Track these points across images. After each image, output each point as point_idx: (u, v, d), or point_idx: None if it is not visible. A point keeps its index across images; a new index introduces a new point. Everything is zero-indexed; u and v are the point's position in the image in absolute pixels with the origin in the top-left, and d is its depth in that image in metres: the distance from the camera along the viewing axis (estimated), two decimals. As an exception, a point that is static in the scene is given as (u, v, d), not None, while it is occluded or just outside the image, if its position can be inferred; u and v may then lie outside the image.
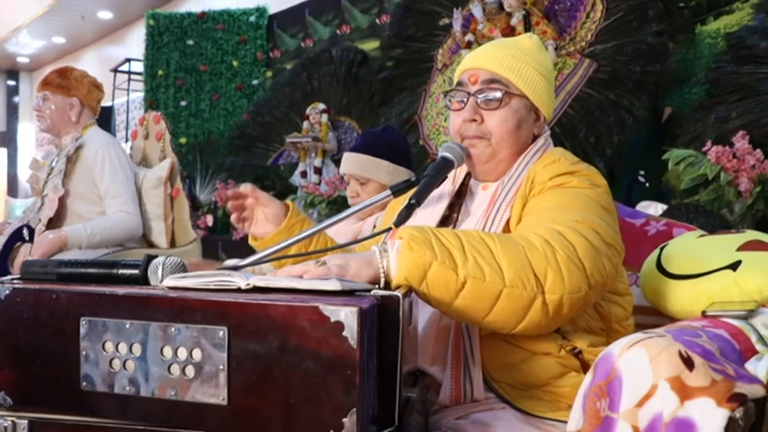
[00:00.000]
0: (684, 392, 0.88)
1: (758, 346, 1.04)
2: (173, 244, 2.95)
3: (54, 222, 2.69)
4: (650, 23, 4.33)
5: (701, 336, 1.00)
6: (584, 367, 1.22)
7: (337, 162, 6.35)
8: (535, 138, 1.42)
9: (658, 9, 4.32)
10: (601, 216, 1.21)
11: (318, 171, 6.29)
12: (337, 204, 5.70)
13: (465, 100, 1.38)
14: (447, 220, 1.42)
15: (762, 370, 0.96)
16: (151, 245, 2.91)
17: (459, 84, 1.42)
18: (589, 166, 1.34)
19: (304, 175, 6.38)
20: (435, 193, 1.38)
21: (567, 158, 1.34)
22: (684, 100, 4.33)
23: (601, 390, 0.96)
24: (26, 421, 0.96)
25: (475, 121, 1.36)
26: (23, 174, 13.88)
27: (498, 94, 1.35)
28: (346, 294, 0.91)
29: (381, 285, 1.03)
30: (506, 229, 1.27)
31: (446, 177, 1.39)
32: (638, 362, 0.92)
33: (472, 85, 1.38)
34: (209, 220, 6.87)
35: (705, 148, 3.53)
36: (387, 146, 2.12)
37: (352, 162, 2.12)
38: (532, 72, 1.38)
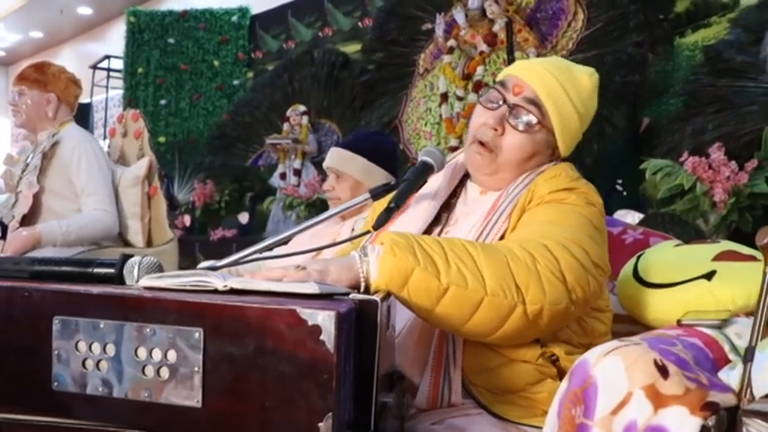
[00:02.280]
0: (659, 400, 0.89)
1: (731, 356, 1.06)
2: (149, 243, 2.92)
3: (28, 219, 2.66)
4: (631, 34, 4.37)
5: (676, 344, 1.01)
6: (561, 374, 1.22)
7: (317, 164, 6.33)
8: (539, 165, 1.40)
9: (639, 20, 4.36)
10: (591, 235, 1.21)
11: (298, 173, 6.26)
12: (316, 207, 5.68)
13: (498, 104, 1.35)
14: (438, 220, 1.41)
15: (734, 379, 0.97)
16: (127, 244, 2.88)
17: (502, 84, 1.38)
18: (588, 183, 1.34)
19: (283, 176, 6.35)
20: (429, 189, 1.37)
21: (569, 174, 1.33)
22: (662, 111, 4.38)
23: (576, 397, 0.97)
24: (-4, 421, 0.95)
25: (495, 130, 1.34)
26: (-2, 169, 13.66)
27: (532, 120, 1.33)
28: (324, 298, 0.90)
29: (362, 290, 1.02)
30: (503, 238, 1.27)
31: (426, 181, 1.39)
32: (614, 369, 0.93)
33: (514, 95, 1.35)
34: (187, 220, 6.82)
35: (682, 159, 3.57)
36: (368, 144, 2.15)
37: (333, 155, 2.15)
38: (572, 111, 1.36)
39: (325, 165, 2.16)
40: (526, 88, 1.35)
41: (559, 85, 1.35)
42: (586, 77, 1.40)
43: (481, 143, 1.35)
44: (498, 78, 1.42)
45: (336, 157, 2.13)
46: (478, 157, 1.36)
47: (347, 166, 2.09)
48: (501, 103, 1.35)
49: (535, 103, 1.34)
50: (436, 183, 1.43)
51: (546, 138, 1.36)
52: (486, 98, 1.38)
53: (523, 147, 1.34)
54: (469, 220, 1.36)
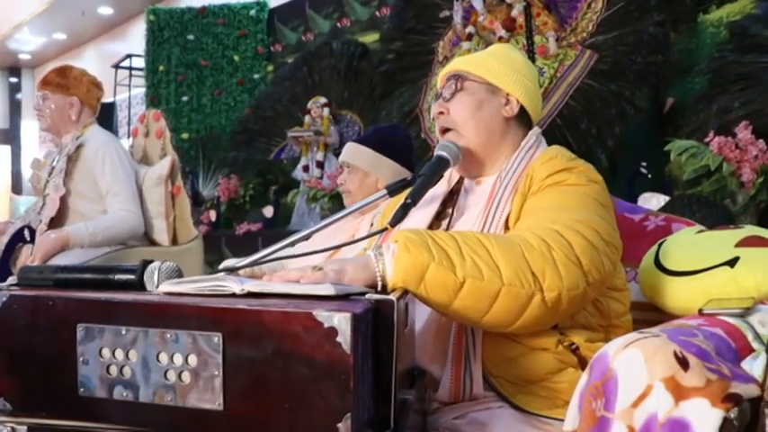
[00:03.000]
0: (679, 393, 0.88)
1: (754, 345, 1.04)
2: (174, 242, 2.95)
3: (56, 222, 2.70)
4: (652, 13, 4.30)
5: (697, 335, 1.00)
6: (582, 363, 1.23)
7: (339, 156, 6.34)
8: (516, 124, 1.44)
9: (660, -2, 4.29)
10: (599, 213, 1.22)
11: (321, 165, 6.28)
12: (340, 198, 5.62)
13: (439, 104, 1.44)
14: (441, 217, 1.43)
15: (758, 369, 0.96)
16: (153, 243, 2.91)
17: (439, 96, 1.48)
18: (585, 162, 1.35)
19: (306, 169, 6.37)
20: (429, 193, 1.39)
21: (564, 155, 1.35)
22: (686, 90, 4.31)
23: (596, 390, 0.97)
24: (25, 427, 0.97)
25: (442, 113, 1.42)
26: (27, 171, 13.90)
27: (453, 85, 1.42)
28: (341, 299, 0.91)
29: (378, 289, 1.03)
30: (506, 224, 1.28)
31: (442, 176, 1.39)
32: (634, 362, 0.93)
33: (441, 89, 1.46)
34: (213, 215, 6.88)
35: (707, 139, 3.51)
36: (377, 136, 2.19)
37: (345, 149, 2.20)
38: (490, 60, 1.45)
39: (344, 159, 2.18)
40: (445, 76, 1.48)
41: (470, 56, 1.50)
42: (496, 47, 1.54)
43: (442, 131, 1.44)
44: None
45: (346, 151, 2.17)
46: (447, 142, 1.41)
47: (355, 158, 2.12)
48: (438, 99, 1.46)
49: (453, 76, 1.45)
50: (436, 187, 1.46)
51: (478, 86, 1.43)
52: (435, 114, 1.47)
53: (464, 102, 1.42)
54: (471, 212, 1.37)
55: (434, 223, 1.41)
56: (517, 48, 1.56)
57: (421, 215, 1.41)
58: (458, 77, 1.43)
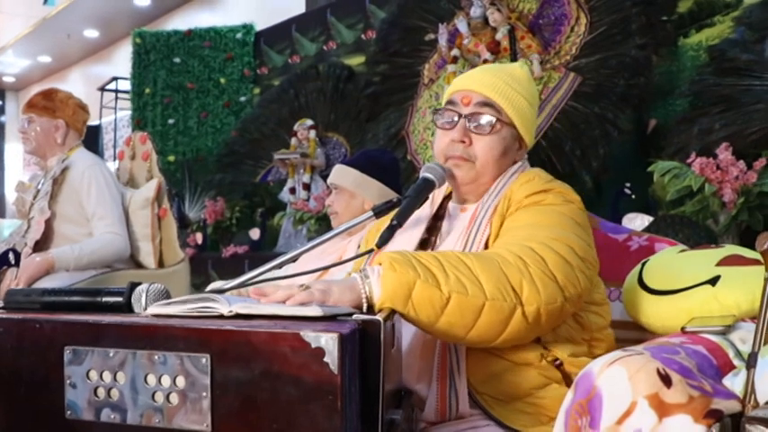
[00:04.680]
0: (663, 409, 0.90)
1: (735, 362, 1.06)
2: (161, 264, 2.94)
3: (41, 245, 2.68)
4: (634, 37, 4.38)
5: (680, 352, 1.01)
6: (565, 378, 1.25)
7: (326, 178, 6.35)
8: (515, 163, 1.44)
9: (641, 23, 4.37)
10: (574, 231, 1.25)
11: (307, 187, 6.30)
12: (326, 220, 5.66)
13: (455, 120, 1.39)
14: (426, 244, 1.44)
15: (738, 385, 0.98)
16: (139, 265, 2.90)
17: (450, 103, 1.42)
18: (563, 183, 1.38)
19: (293, 191, 6.39)
20: (413, 216, 1.40)
21: (542, 177, 1.37)
22: (669, 112, 4.38)
23: (581, 407, 0.98)
24: (11, 451, 0.96)
25: (463, 142, 1.37)
26: (11, 194, 13.80)
27: (492, 120, 1.37)
28: (328, 320, 0.92)
29: (364, 310, 1.04)
30: (486, 246, 1.30)
31: (428, 198, 1.40)
32: (618, 380, 0.94)
33: (464, 106, 1.39)
34: (199, 237, 6.87)
35: (689, 160, 3.56)
36: (364, 158, 2.20)
37: (333, 171, 2.21)
38: (522, 101, 1.40)
39: (332, 181, 2.20)
40: (474, 95, 1.39)
41: (502, 81, 1.40)
42: (518, 69, 1.45)
43: (456, 157, 1.39)
44: (445, 100, 1.46)
45: (334, 173, 2.18)
46: (458, 170, 1.39)
47: (341, 179, 2.13)
48: (457, 118, 1.39)
49: (487, 104, 1.38)
50: (421, 210, 1.46)
51: (510, 131, 1.40)
52: (443, 121, 1.41)
53: (494, 146, 1.38)
54: (453, 236, 1.39)
55: (419, 249, 1.42)
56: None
57: (406, 240, 1.42)
58: (493, 114, 1.37)
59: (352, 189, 2.11)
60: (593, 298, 1.33)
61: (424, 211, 1.46)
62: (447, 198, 1.49)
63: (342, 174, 2.14)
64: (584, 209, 1.35)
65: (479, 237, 1.31)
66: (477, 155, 1.38)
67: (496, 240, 1.27)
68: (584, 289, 1.20)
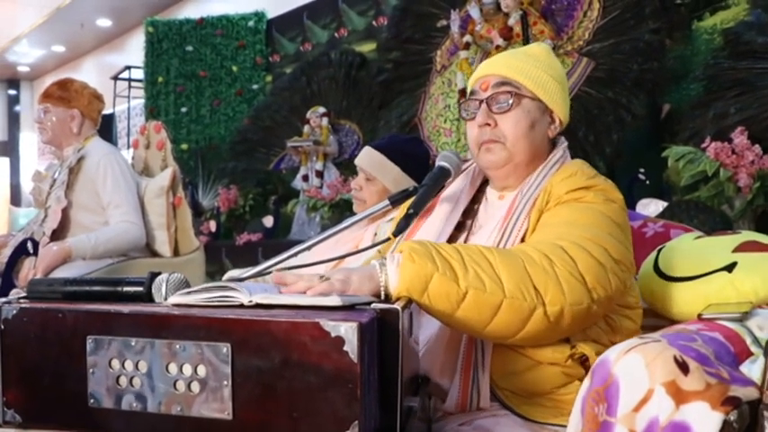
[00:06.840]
0: (680, 397, 0.90)
1: (753, 348, 1.06)
2: (176, 253, 2.97)
3: (58, 234, 2.71)
4: (647, 21, 4.34)
5: (697, 339, 1.01)
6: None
7: (338, 165, 6.37)
8: (552, 142, 1.42)
9: (655, 6, 4.33)
10: (611, 232, 1.21)
11: (320, 175, 6.30)
12: (339, 208, 5.72)
13: (478, 107, 1.38)
14: (461, 227, 1.42)
15: (756, 372, 0.98)
16: (155, 254, 2.93)
17: (472, 93, 1.41)
18: (607, 180, 1.34)
19: (306, 179, 6.40)
20: (452, 195, 1.38)
21: (585, 172, 1.34)
22: (683, 97, 4.34)
23: (598, 395, 0.98)
24: (35, 439, 0.98)
25: (489, 125, 1.36)
26: (26, 183, 13.92)
27: (509, 97, 1.35)
28: (347, 309, 0.93)
29: (383, 298, 1.05)
30: (523, 240, 1.27)
31: (443, 186, 1.40)
32: (635, 367, 0.94)
33: (483, 91, 1.38)
34: (213, 225, 6.90)
35: (704, 145, 3.54)
36: (404, 153, 2.12)
37: (366, 156, 2.13)
38: (542, 74, 1.38)
39: (356, 162, 2.15)
40: (490, 78, 1.38)
41: (516, 60, 1.39)
42: (535, 47, 1.45)
43: (483, 142, 1.37)
44: (468, 93, 1.44)
45: (369, 160, 2.11)
46: (490, 154, 1.36)
47: (379, 172, 2.07)
48: (479, 105, 1.38)
49: (504, 83, 1.37)
50: (458, 187, 1.44)
51: (533, 104, 1.37)
52: (466, 111, 1.40)
53: (519, 120, 1.35)
54: (489, 226, 1.36)
55: (454, 234, 1.41)
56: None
57: (442, 222, 1.40)
58: (511, 89, 1.36)
59: (389, 186, 2.04)
60: (627, 301, 1.30)
61: (462, 192, 1.44)
62: (486, 181, 1.46)
63: (379, 165, 2.08)
64: (626, 208, 1.32)
65: (516, 232, 1.28)
66: (506, 133, 1.35)
67: (531, 235, 1.25)
68: (616, 291, 1.17)
